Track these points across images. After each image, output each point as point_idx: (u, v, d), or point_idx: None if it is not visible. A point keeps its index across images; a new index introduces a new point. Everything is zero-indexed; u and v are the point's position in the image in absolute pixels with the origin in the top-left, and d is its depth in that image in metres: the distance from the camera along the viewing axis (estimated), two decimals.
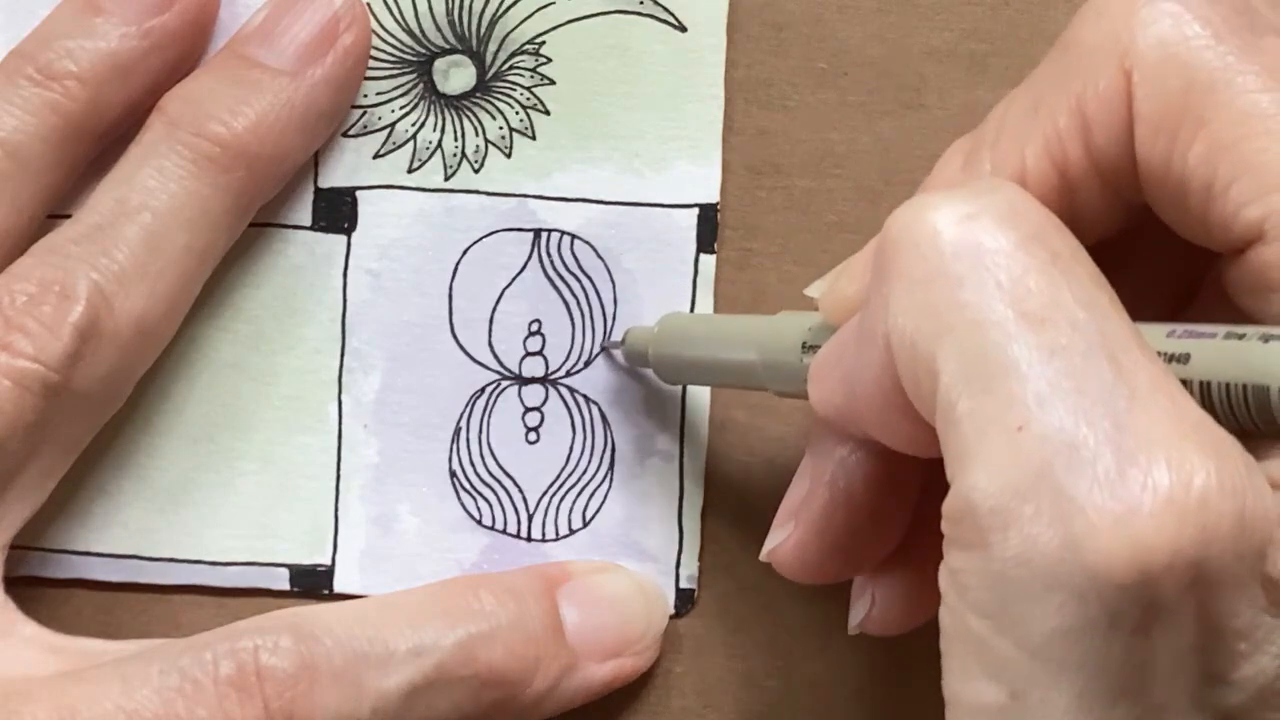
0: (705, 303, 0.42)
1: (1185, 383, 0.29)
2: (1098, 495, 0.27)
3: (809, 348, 0.35)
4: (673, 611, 0.42)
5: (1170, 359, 0.29)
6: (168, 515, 0.42)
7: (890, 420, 0.31)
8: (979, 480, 0.28)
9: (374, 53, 0.41)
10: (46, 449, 0.38)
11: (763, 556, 0.37)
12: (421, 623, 0.38)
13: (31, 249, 0.38)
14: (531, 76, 0.42)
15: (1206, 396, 0.29)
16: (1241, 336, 0.29)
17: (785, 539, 0.36)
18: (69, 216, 0.39)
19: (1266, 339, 0.28)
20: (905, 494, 0.36)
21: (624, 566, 0.42)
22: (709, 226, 0.42)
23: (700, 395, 0.42)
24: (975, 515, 0.28)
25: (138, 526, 0.42)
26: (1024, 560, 0.27)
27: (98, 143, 0.40)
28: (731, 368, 0.38)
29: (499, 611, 0.39)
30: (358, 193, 0.42)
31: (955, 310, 0.28)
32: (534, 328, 0.42)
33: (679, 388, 0.42)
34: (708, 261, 0.42)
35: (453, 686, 0.38)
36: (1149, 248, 0.34)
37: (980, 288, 0.28)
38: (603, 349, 0.42)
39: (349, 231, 0.42)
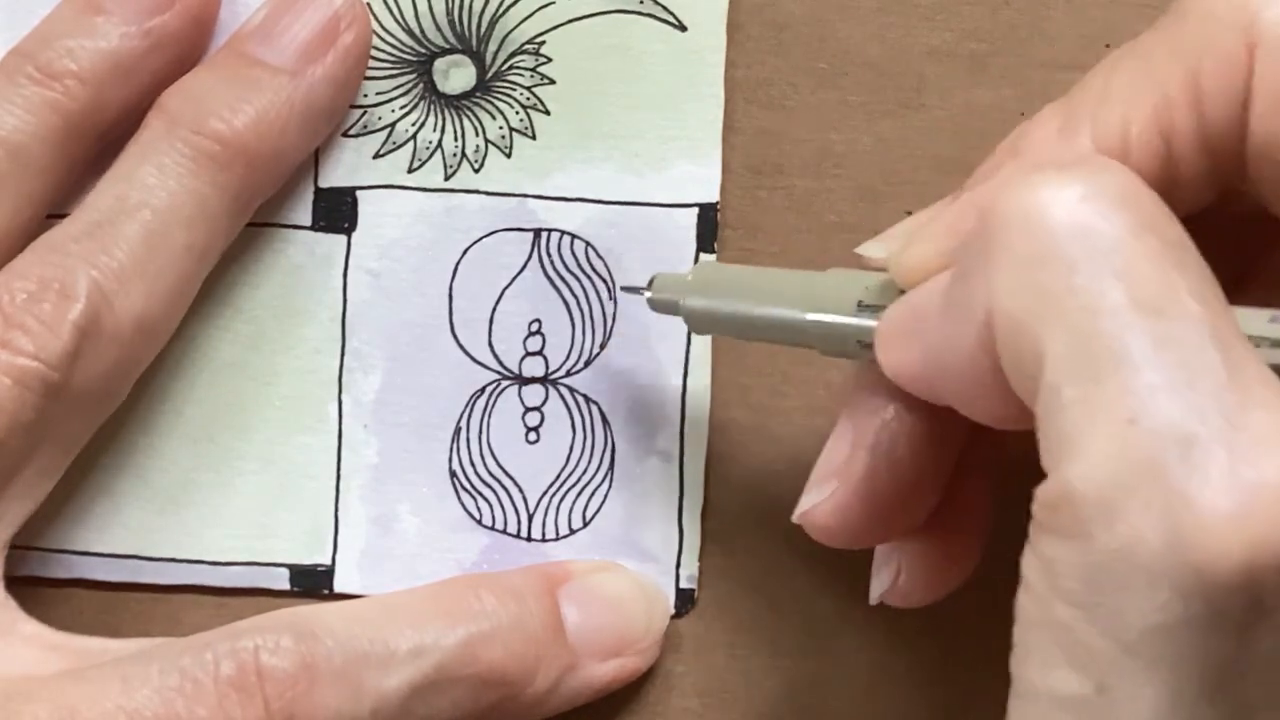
0: None
1: (1277, 369, 0.28)
2: (1209, 492, 0.26)
3: (865, 306, 0.35)
4: (673, 611, 0.42)
5: (1275, 344, 0.29)
6: (168, 515, 0.42)
7: (978, 396, 0.31)
8: (1084, 470, 0.27)
9: (374, 52, 0.41)
10: (46, 447, 0.38)
11: (796, 518, 0.36)
12: (422, 623, 0.38)
13: (31, 246, 0.38)
14: (531, 76, 0.42)
15: None
16: None
17: (823, 500, 0.36)
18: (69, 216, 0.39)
19: None
20: (947, 456, 0.35)
21: (624, 566, 0.42)
22: (709, 226, 0.42)
23: (700, 395, 0.42)
24: (1076, 504, 0.27)
25: (138, 526, 0.42)
26: (1127, 553, 0.27)
27: (98, 142, 0.40)
28: (775, 323, 0.37)
29: (499, 611, 0.39)
30: (358, 192, 0.42)
31: (1067, 295, 0.28)
32: (534, 328, 0.42)
33: (678, 386, 0.42)
34: (708, 261, 0.42)
35: (453, 686, 0.38)
36: (1207, 227, 0.34)
37: (1095, 274, 0.28)
38: (622, 289, 0.42)
39: (349, 231, 0.42)
